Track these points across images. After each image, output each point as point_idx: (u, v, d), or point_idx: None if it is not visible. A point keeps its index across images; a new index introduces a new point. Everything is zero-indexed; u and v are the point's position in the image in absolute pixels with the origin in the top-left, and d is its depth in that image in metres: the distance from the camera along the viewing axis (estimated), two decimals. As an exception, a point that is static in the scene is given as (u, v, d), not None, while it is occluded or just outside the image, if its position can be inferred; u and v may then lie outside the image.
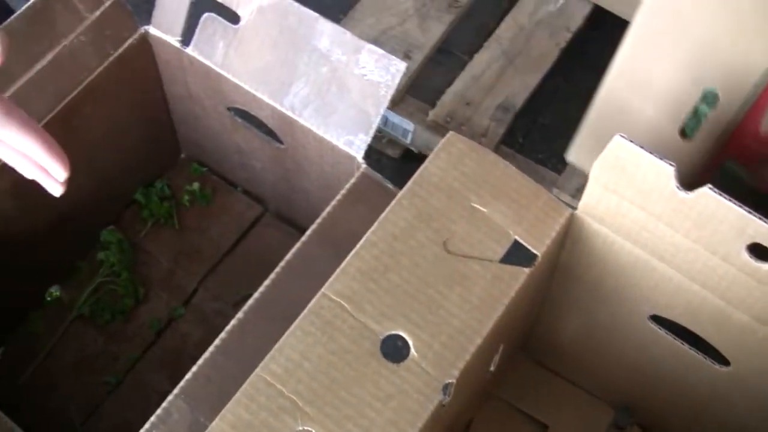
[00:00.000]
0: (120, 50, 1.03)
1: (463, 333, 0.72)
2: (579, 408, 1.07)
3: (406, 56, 1.39)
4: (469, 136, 0.81)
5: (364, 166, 0.92)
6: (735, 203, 0.68)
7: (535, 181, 0.80)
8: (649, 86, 1.00)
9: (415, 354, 0.71)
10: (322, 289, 0.72)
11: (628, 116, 1.03)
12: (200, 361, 0.82)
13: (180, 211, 1.26)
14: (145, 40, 1.06)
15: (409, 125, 1.36)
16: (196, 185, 1.27)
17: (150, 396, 1.12)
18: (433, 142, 1.35)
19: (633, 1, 1.38)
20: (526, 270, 0.76)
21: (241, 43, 0.97)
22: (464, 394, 0.82)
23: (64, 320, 1.17)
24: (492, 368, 0.90)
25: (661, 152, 0.69)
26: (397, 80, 0.90)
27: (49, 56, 0.97)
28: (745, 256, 0.71)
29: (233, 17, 0.96)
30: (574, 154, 1.14)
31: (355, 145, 0.93)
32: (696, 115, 1.00)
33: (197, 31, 1.00)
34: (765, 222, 0.67)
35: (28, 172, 0.85)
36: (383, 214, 0.76)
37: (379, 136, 1.40)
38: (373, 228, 0.75)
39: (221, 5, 0.95)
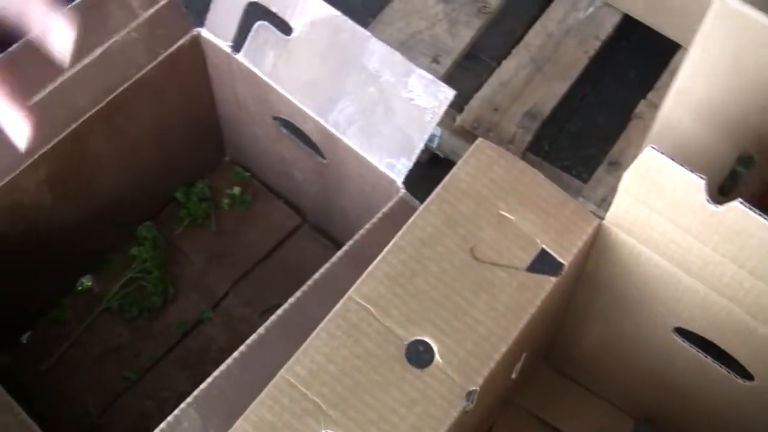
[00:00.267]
0: (171, 50, 1.03)
1: (488, 340, 0.72)
2: (599, 418, 1.07)
3: (434, 61, 1.39)
4: (496, 143, 0.80)
5: (403, 191, 0.92)
6: (765, 218, 0.68)
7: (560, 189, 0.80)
8: (708, 109, 1.00)
9: (440, 360, 0.71)
10: (349, 293, 0.72)
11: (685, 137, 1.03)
12: (216, 373, 0.82)
13: (218, 213, 1.26)
14: (197, 42, 1.06)
15: (436, 130, 1.36)
16: (236, 189, 1.27)
17: (168, 396, 1.13)
18: (459, 148, 1.35)
19: (662, 12, 1.39)
20: (553, 279, 0.75)
21: (291, 55, 0.97)
22: (486, 401, 0.82)
23: (92, 311, 1.17)
24: (514, 376, 0.90)
25: (717, 172, 0.69)
26: (444, 108, 0.89)
27: (99, 50, 0.98)
28: (774, 270, 0.71)
29: (285, 28, 0.96)
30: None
31: (397, 169, 0.93)
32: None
33: (249, 38, 1.00)
34: (794, 238, 0.67)
35: None
36: (411, 219, 0.76)
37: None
38: (401, 233, 0.75)
39: (274, 15, 0.95)
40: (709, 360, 0.86)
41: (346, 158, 0.98)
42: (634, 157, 0.72)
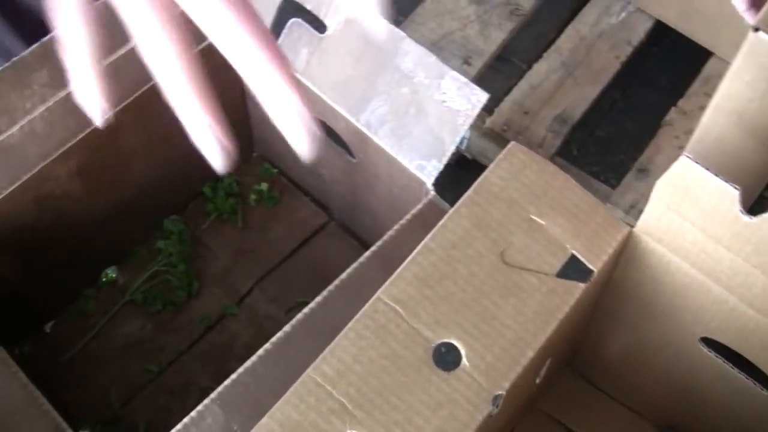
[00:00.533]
0: (203, 44, 1.03)
1: (516, 345, 0.72)
2: (621, 425, 1.07)
3: (465, 62, 1.38)
4: (525, 146, 0.80)
5: (432, 193, 0.92)
6: (798, 231, 0.68)
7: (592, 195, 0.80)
8: (748, 121, 0.99)
9: (467, 363, 0.70)
10: (378, 293, 0.72)
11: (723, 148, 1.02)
12: (241, 369, 0.82)
13: (245, 209, 1.26)
14: (230, 37, 1.06)
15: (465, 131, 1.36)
16: (264, 185, 1.27)
17: (191, 390, 1.13)
18: (488, 150, 1.35)
19: (695, 18, 1.38)
20: (582, 285, 0.75)
21: (325, 53, 0.97)
22: (511, 406, 0.82)
23: (116, 303, 1.18)
24: (538, 381, 0.90)
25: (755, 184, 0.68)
26: (476, 111, 0.89)
27: (132, 43, 0.98)
28: (805, 284, 0.70)
29: (320, 26, 0.96)
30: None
31: (427, 171, 0.92)
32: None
33: (282, 35, 0.99)
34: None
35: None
36: (442, 221, 0.76)
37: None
38: (431, 235, 0.75)
39: (309, 12, 0.95)
40: (735, 371, 0.86)
41: (376, 158, 0.98)
42: (664, 164, 0.72)
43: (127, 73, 0.98)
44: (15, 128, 0.95)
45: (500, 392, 0.70)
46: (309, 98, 0.98)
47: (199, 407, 0.80)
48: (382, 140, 0.94)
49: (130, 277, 1.19)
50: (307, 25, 0.97)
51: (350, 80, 0.96)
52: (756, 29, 0.84)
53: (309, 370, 0.70)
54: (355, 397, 0.69)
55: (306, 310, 0.85)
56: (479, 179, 0.78)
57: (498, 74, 1.47)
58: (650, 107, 1.40)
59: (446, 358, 0.70)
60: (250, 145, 1.28)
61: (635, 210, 1.27)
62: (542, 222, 0.77)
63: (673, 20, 1.44)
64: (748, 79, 0.90)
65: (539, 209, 0.77)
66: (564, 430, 1.07)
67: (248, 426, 0.69)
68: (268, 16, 1.00)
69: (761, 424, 0.90)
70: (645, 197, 0.76)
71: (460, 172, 1.39)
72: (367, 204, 1.12)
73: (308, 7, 0.95)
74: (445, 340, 0.71)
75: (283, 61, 0.67)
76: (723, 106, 0.97)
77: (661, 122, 1.36)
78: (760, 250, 0.71)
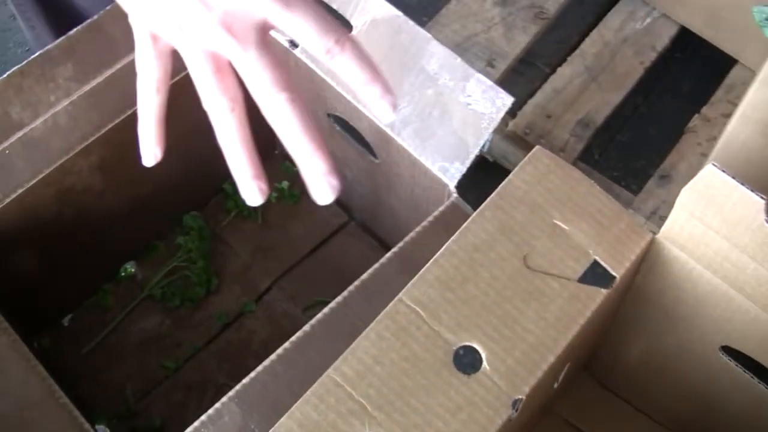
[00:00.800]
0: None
1: (536, 350, 0.71)
2: (638, 432, 1.07)
3: (489, 64, 1.38)
4: (547, 150, 0.80)
5: (455, 195, 0.92)
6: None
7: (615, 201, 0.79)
8: None
9: (487, 367, 0.70)
10: (400, 295, 0.72)
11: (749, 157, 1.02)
12: (259, 368, 0.82)
13: (265, 206, 1.26)
14: (255, 36, 1.06)
15: (487, 133, 1.36)
16: (285, 183, 1.27)
17: (207, 387, 1.13)
18: (510, 153, 1.35)
19: (720, 25, 1.37)
20: (604, 291, 0.75)
21: None
22: (529, 410, 0.82)
23: (135, 298, 1.18)
24: (556, 385, 0.89)
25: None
26: (501, 114, 0.88)
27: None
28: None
29: (346, 25, 0.96)
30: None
31: (449, 173, 0.92)
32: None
33: None
34: None
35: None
36: (465, 224, 0.75)
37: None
38: (454, 237, 0.75)
39: (335, 12, 0.95)
40: (754, 380, 0.85)
41: (398, 159, 0.98)
42: (686, 171, 0.72)
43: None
44: (38, 121, 0.95)
45: (520, 396, 0.70)
46: (333, 96, 0.99)
47: (217, 405, 0.80)
48: (406, 141, 0.94)
49: (149, 272, 1.20)
50: None
51: (375, 81, 0.95)
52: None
53: (329, 371, 0.69)
54: (375, 399, 0.69)
55: (326, 309, 0.84)
56: (503, 183, 0.78)
57: (521, 77, 1.47)
58: (673, 113, 1.40)
59: (466, 361, 0.70)
60: (272, 143, 1.28)
61: (656, 216, 1.26)
62: (566, 227, 0.76)
63: (698, 27, 1.43)
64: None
65: (563, 214, 0.77)
66: (580, 435, 1.07)
67: (265, 425, 0.68)
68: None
69: (780, 435, 0.89)
70: (667, 204, 0.76)
71: (481, 174, 1.38)
72: (387, 204, 1.12)
73: (335, 6, 0.95)
74: (466, 344, 0.71)
75: (315, 130, 0.76)
76: (748, 114, 0.97)
77: (684, 129, 1.36)
78: (784, 260, 0.70)
